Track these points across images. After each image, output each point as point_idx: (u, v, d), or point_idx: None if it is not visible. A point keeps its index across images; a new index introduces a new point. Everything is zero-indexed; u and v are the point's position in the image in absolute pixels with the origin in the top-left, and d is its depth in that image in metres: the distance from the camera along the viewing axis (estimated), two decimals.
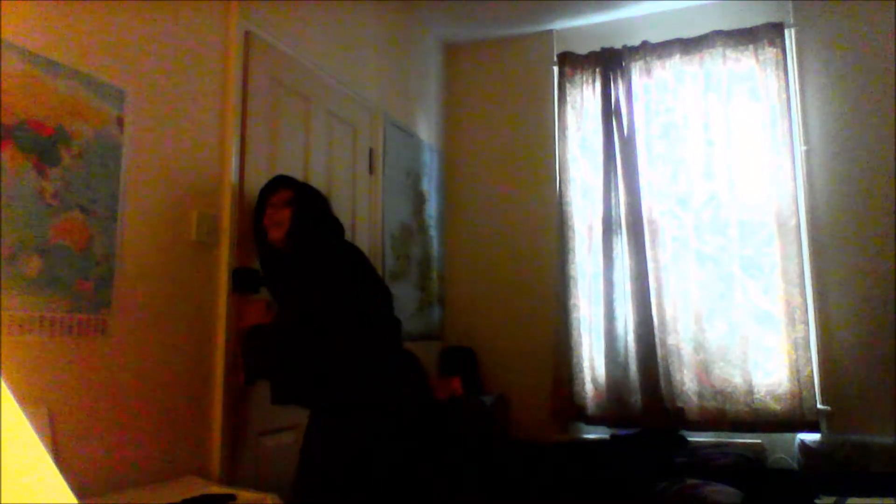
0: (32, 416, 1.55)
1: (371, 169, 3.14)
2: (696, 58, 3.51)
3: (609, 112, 3.62)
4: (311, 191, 2.16)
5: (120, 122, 1.88)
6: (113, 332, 1.82)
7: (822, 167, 3.31)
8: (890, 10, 3.24)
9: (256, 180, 2.37)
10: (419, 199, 3.68)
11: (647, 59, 3.60)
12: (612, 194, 3.56)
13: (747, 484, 2.59)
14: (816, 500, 2.49)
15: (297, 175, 2.59)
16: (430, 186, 3.81)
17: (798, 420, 3.09)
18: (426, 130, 3.83)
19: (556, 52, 3.88)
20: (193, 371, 2.09)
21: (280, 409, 1.97)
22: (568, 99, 3.77)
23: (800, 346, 3.14)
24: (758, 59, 3.40)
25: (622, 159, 3.55)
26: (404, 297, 3.36)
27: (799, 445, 3.08)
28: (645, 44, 3.60)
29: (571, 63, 3.79)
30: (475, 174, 4.03)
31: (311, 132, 2.70)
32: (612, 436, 3.30)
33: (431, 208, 3.82)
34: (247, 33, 2.37)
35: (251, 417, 2.26)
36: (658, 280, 3.42)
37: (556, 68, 3.87)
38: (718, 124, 3.42)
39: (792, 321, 3.16)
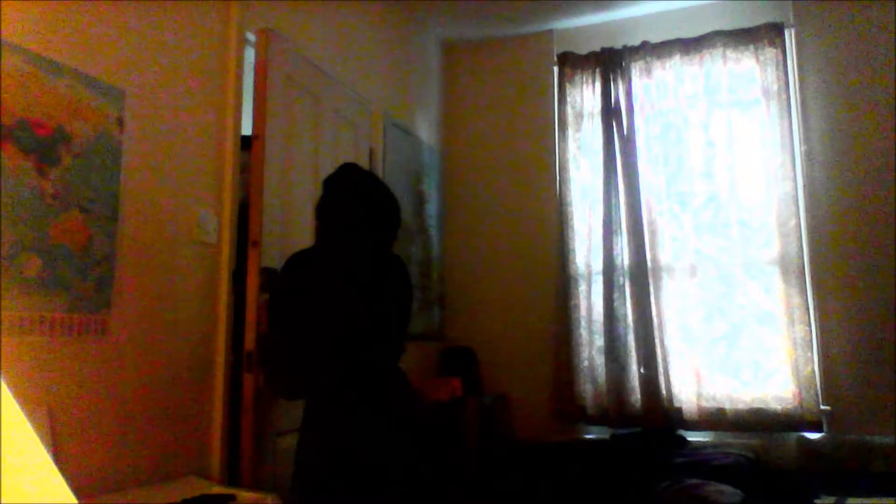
0: (32, 416, 1.55)
1: (371, 169, 3.14)
2: (696, 58, 3.50)
3: (609, 112, 3.62)
4: (323, 185, 2.00)
5: (120, 122, 1.88)
6: (113, 332, 1.82)
7: (822, 167, 3.31)
8: (890, 10, 3.24)
9: (273, 178, 2.35)
10: (419, 199, 3.68)
11: (647, 59, 3.59)
12: (612, 194, 3.56)
13: (747, 484, 2.58)
14: (816, 500, 2.49)
15: (307, 174, 2.56)
16: (430, 186, 3.81)
17: (798, 420, 3.09)
18: (426, 130, 3.83)
19: (556, 52, 3.88)
20: (193, 371, 2.09)
21: (294, 409, 1.96)
22: (568, 99, 3.77)
23: (800, 346, 3.13)
24: (758, 59, 3.40)
25: (622, 159, 3.55)
26: None
27: (799, 445, 3.08)
28: (645, 44, 3.60)
29: (571, 63, 3.79)
30: (475, 174, 4.03)
31: (320, 131, 2.69)
32: (612, 436, 3.30)
33: (431, 208, 3.81)
34: (263, 31, 2.34)
35: (270, 418, 2.24)
36: (658, 280, 3.42)
37: (556, 68, 3.87)
38: (718, 124, 3.42)
39: (792, 321, 3.16)
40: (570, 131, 3.74)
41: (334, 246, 1.87)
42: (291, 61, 2.51)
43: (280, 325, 1.78)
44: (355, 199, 1.89)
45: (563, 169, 3.72)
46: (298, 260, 1.84)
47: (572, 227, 3.64)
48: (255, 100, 2.31)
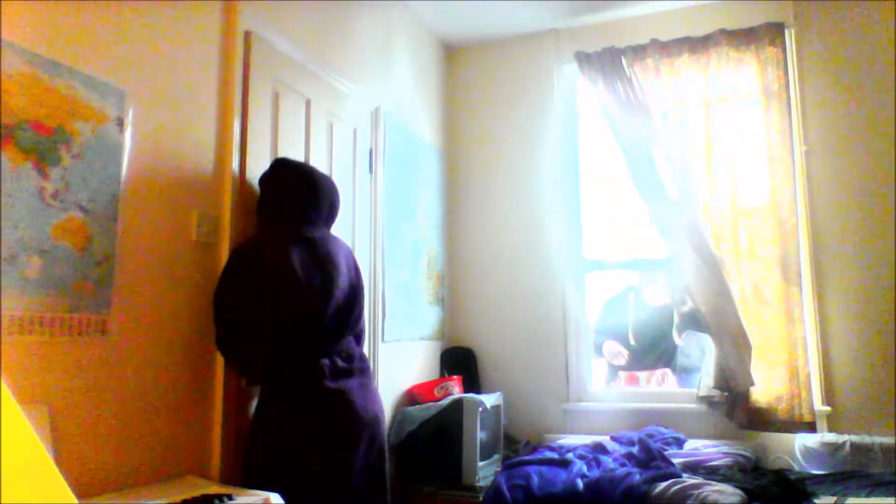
0: (32, 416, 1.55)
1: (371, 169, 3.14)
2: (699, 57, 3.48)
3: (613, 111, 3.61)
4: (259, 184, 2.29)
5: (120, 122, 1.88)
6: (113, 332, 1.82)
7: (822, 167, 3.31)
8: (890, 11, 3.24)
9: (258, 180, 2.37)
10: (419, 199, 3.68)
11: (651, 58, 3.56)
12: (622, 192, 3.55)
13: (747, 484, 2.58)
14: (816, 500, 2.49)
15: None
16: (430, 186, 3.81)
17: (798, 420, 3.09)
18: (426, 130, 3.83)
19: (558, 52, 3.87)
20: (193, 371, 2.09)
21: None
22: (577, 97, 3.75)
23: (799, 346, 3.13)
24: (759, 59, 3.39)
25: (631, 157, 3.53)
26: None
27: (799, 446, 3.08)
28: (649, 43, 3.58)
29: (584, 61, 3.74)
30: (475, 174, 4.03)
31: (311, 132, 2.70)
32: (612, 436, 3.29)
33: (432, 208, 3.81)
34: (247, 33, 2.37)
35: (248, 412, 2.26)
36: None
37: (556, 67, 3.86)
38: (719, 124, 3.41)
39: (792, 321, 3.16)
40: (577, 130, 3.73)
41: (275, 235, 2.13)
42: (279, 63, 2.53)
43: (226, 314, 2.04)
44: (289, 189, 2.19)
45: (566, 168, 3.71)
46: (241, 251, 2.10)
47: (577, 225, 3.64)
48: (241, 103, 2.33)
